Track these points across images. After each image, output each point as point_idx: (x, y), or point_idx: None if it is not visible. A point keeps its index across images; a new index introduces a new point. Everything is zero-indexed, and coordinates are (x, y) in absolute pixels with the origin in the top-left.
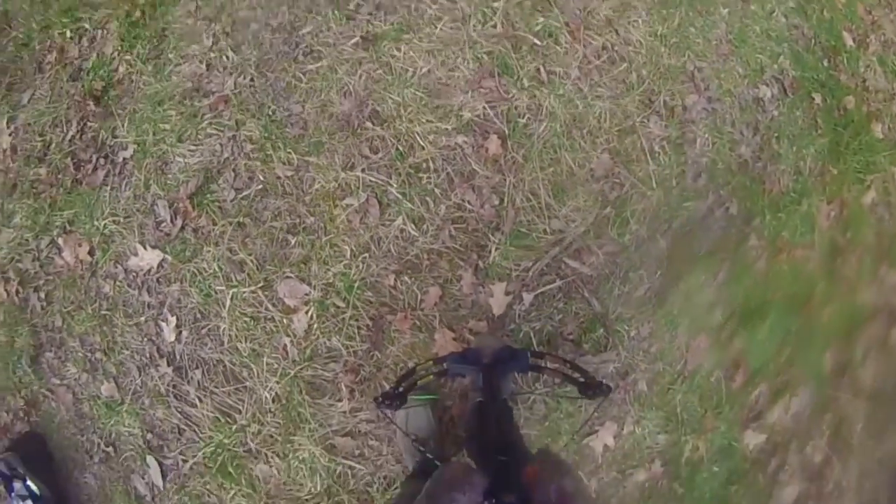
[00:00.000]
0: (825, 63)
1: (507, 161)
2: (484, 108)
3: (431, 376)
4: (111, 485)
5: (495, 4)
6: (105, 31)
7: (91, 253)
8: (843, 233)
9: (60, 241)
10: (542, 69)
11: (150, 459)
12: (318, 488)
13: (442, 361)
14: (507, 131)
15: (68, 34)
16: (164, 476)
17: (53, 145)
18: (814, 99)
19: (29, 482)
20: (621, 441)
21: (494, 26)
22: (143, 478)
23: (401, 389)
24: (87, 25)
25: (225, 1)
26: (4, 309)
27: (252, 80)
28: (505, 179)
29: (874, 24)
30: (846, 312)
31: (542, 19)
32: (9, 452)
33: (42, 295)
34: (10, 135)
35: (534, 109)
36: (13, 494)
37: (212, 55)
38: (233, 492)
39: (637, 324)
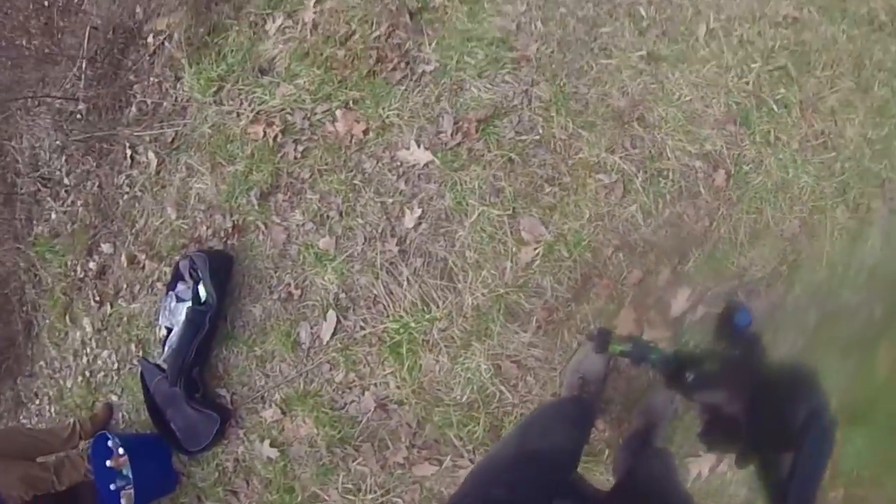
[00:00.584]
0: None
1: (725, 195)
2: (722, 146)
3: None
4: (276, 322)
5: (752, 66)
6: None
7: (365, 132)
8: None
9: (338, 112)
10: (772, 132)
11: (330, 314)
12: (463, 398)
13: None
14: (732, 171)
15: None
16: (333, 333)
17: (357, 36)
18: None
19: (200, 286)
20: (712, 477)
21: (747, 83)
22: (311, 328)
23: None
24: None
25: None
26: (257, 146)
27: (552, 52)
28: (719, 209)
29: None
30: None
31: (783, 91)
32: (200, 253)
33: (300, 148)
34: (314, 13)
35: (756, 162)
36: (172, 293)
37: (523, 19)
38: (389, 370)
39: None
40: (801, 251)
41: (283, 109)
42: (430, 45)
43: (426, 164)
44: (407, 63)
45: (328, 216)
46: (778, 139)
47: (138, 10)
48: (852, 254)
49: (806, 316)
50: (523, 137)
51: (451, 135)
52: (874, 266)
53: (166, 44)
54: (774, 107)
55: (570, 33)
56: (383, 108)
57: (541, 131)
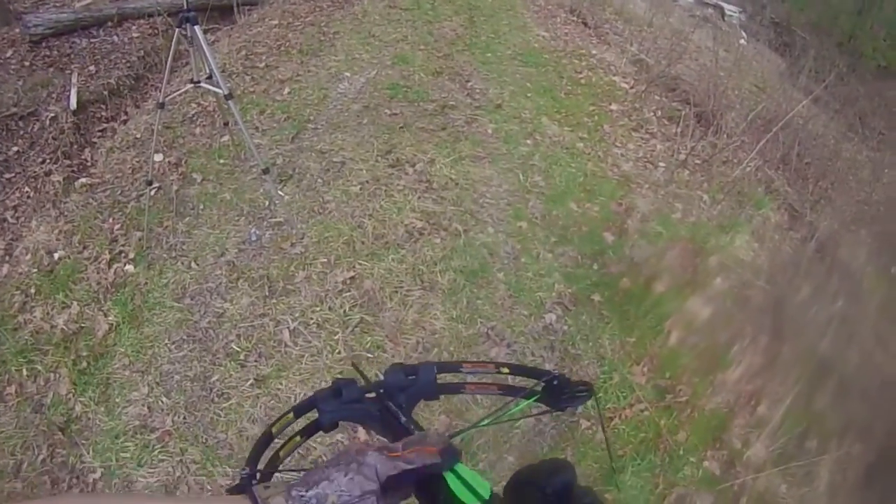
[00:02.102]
0: (595, 267)
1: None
2: None
3: (298, 438)
4: None
5: (336, 336)
6: (57, 375)
7: None
8: (663, 376)
9: None
10: (378, 374)
11: None
12: None
13: (307, 407)
14: None
15: (24, 372)
16: None
17: (26, 465)
18: (594, 299)
19: None
20: None
21: (339, 353)
22: None
23: (256, 472)
24: (40, 367)
25: (150, 357)
26: None
27: (184, 417)
28: None
29: (628, 210)
30: (701, 424)
31: (369, 338)
32: None
33: None
34: None
35: None
36: None
37: (150, 400)
38: None
39: None
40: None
41: None
42: (88, 452)
43: None
44: (78, 477)
45: None
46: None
47: None
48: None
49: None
50: None
51: None
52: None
53: None
54: (368, 354)
55: (191, 395)
56: None
57: (209, 488)
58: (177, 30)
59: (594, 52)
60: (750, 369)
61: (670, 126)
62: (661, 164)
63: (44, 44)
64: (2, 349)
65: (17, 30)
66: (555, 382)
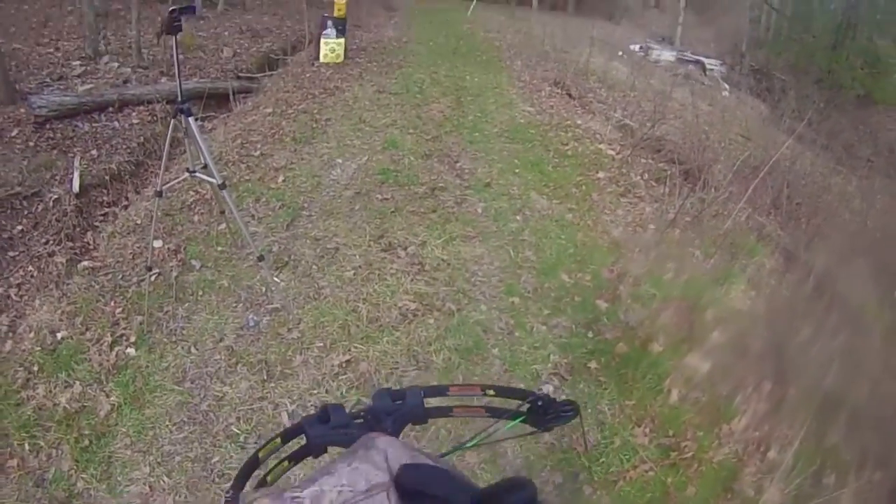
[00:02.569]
0: (590, 335)
1: None
2: None
3: (286, 463)
4: None
5: None
6: (59, 451)
7: None
8: (665, 433)
9: None
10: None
11: None
12: None
13: (295, 432)
14: None
15: (27, 447)
16: None
17: None
18: (590, 367)
19: None
20: None
21: None
22: None
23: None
24: (42, 443)
25: (152, 438)
26: None
27: (185, 498)
28: None
29: (620, 275)
30: (709, 477)
31: None
32: None
33: None
34: None
35: None
36: None
37: (151, 479)
38: None
39: None
40: None
41: None
42: None
43: None
44: None
45: None
46: None
47: None
48: (504, 471)
49: None
50: None
51: None
52: (525, 461)
53: None
54: None
55: (192, 475)
56: None
57: None
58: (172, 120)
59: (579, 122)
60: (756, 416)
61: (658, 187)
62: (651, 225)
63: (48, 125)
64: (4, 423)
65: (23, 109)
66: (539, 403)
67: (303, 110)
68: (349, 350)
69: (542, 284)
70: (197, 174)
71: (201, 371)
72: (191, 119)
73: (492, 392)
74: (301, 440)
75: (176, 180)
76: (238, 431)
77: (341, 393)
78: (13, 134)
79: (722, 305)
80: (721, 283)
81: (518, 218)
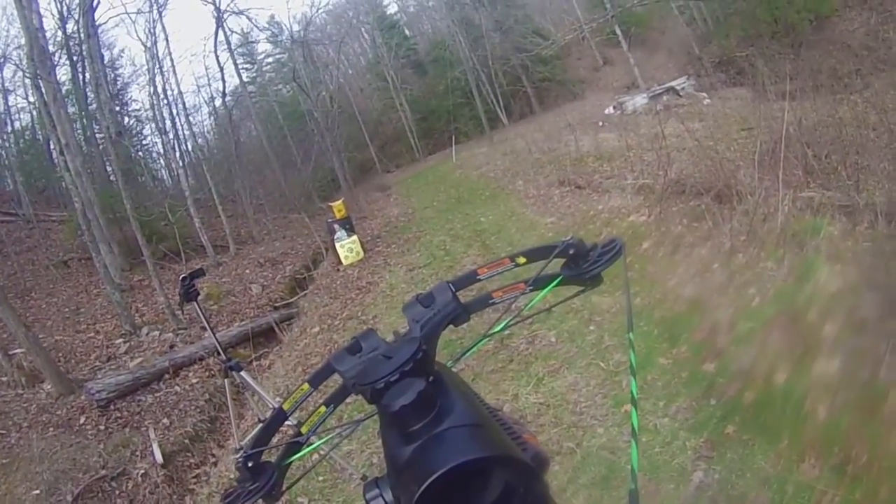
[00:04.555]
0: (713, 402)
1: None
2: None
3: (324, 408)
4: None
5: None
6: None
7: None
8: (830, 453)
9: None
10: None
11: None
12: None
13: (323, 372)
14: None
15: None
16: None
17: None
18: (728, 433)
19: None
20: None
21: None
22: None
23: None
24: None
25: None
26: None
27: None
28: None
29: (712, 331)
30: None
31: None
32: None
33: None
34: None
35: None
36: None
37: None
38: None
39: None
40: None
41: None
42: None
43: None
44: None
45: None
46: None
47: None
48: None
49: None
50: None
51: None
52: None
53: None
54: None
55: None
56: None
57: None
58: (226, 381)
59: (600, 206)
60: None
61: (700, 226)
62: (715, 265)
63: (112, 406)
64: None
65: (83, 397)
66: (571, 251)
67: (348, 317)
68: None
69: (645, 378)
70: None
71: None
72: (242, 373)
73: (522, 259)
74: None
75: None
76: None
77: None
78: (81, 422)
79: (818, 297)
80: (806, 278)
81: (591, 328)
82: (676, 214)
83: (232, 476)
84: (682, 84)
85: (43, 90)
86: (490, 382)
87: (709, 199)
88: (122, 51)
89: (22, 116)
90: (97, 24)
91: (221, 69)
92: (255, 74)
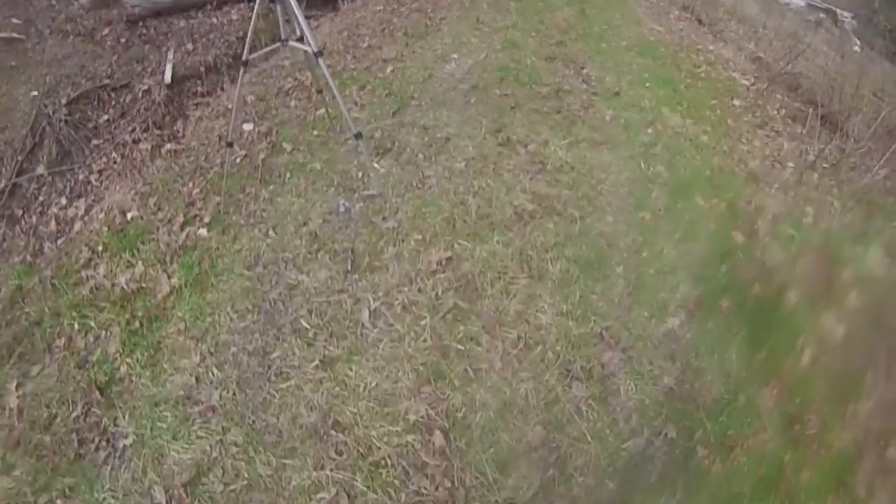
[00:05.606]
0: (723, 269)
1: (452, 450)
2: (426, 409)
3: None
4: None
5: (422, 322)
6: (108, 333)
7: None
8: (792, 401)
9: (59, 502)
10: (469, 369)
11: None
12: None
13: None
14: (447, 425)
15: (76, 327)
16: None
17: (59, 419)
18: (721, 305)
19: None
20: None
21: (425, 340)
22: None
23: None
24: (92, 324)
25: (209, 325)
26: None
27: (234, 394)
28: (453, 465)
29: (758, 210)
30: (827, 465)
31: (462, 327)
32: None
33: None
34: (17, 398)
35: (468, 403)
36: None
37: (200, 370)
38: None
39: None
40: (559, 446)
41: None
42: (124, 416)
43: None
44: (108, 441)
45: None
46: (478, 370)
47: None
48: (611, 411)
49: (605, 489)
50: (233, 487)
51: None
52: (638, 403)
53: None
54: (460, 346)
55: (246, 370)
56: (98, 492)
57: (247, 475)
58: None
59: (711, 48)
60: (882, 403)
61: (795, 126)
62: (790, 164)
63: (141, 24)
64: (59, 302)
65: (115, 10)
66: None
67: (416, 9)
68: (451, 246)
69: (675, 205)
70: (290, 44)
71: (277, 256)
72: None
73: None
74: None
75: (265, 50)
76: (307, 325)
77: (436, 294)
78: (104, 33)
79: (860, 266)
80: (859, 242)
81: (649, 131)
82: (778, 102)
83: (230, 106)
84: (844, 17)
85: None
86: (525, 115)
87: (816, 112)
88: None
89: None
90: None
91: None
92: None
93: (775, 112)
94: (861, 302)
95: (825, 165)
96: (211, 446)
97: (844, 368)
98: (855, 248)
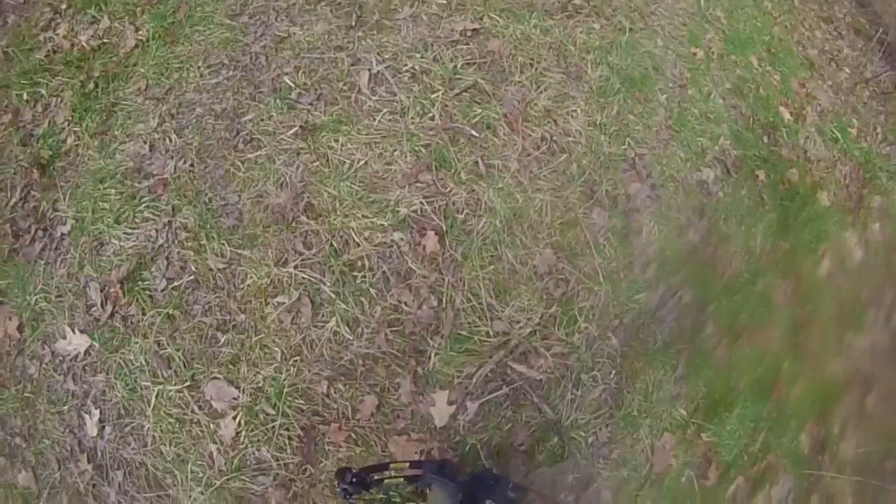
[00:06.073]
0: (765, 139)
1: (445, 259)
2: (421, 203)
3: (403, 479)
4: None
5: (433, 96)
6: (59, 100)
7: (20, 329)
8: (803, 306)
9: None
10: (480, 162)
11: None
12: None
13: (418, 466)
14: (444, 227)
15: (25, 97)
16: None
17: None
18: (757, 176)
19: None
20: None
21: (433, 118)
22: None
23: (370, 479)
24: (43, 91)
25: (174, 82)
26: None
27: (192, 165)
28: (443, 279)
29: (809, 97)
30: (817, 387)
31: (480, 111)
32: None
33: None
34: None
35: (472, 204)
36: None
37: (155, 136)
38: None
39: (594, 429)
40: (568, 279)
41: None
42: (65, 198)
43: (87, 351)
44: (44, 229)
45: (15, 444)
46: (491, 167)
47: None
48: (629, 252)
49: (608, 342)
50: (177, 283)
51: (102, 306)
52: (659, 252)
53: None
54: (474, 132)
55: (210, 135)
56: (30, 294)
57: (194, 269)
58: None
59: None
60: (876, 345)
61: (857, 39)
62: (846, 68)
63: None
64: (10, 73)
65: None
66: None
67: None
68: (481, 18)
69: (729, 54)
70: None
71: (268, 4)
72: None
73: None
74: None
75: None
76: (291, 84)
77: (454, 67)
78: None
79: (890, 200)
80: (893, 179)
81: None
82: (846, 8)
83: None
84: None
85: None
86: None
87: (880, 37)
88: None
89: None
90: None
91: None
92: None
93: (841, 15)
94: (884, 235)
95: (876, 90)
96: (157, 230)
97: (852, 296)
98: (890, 184)
